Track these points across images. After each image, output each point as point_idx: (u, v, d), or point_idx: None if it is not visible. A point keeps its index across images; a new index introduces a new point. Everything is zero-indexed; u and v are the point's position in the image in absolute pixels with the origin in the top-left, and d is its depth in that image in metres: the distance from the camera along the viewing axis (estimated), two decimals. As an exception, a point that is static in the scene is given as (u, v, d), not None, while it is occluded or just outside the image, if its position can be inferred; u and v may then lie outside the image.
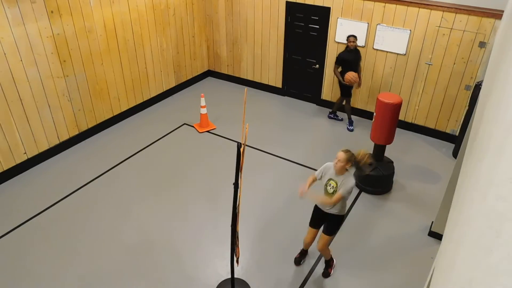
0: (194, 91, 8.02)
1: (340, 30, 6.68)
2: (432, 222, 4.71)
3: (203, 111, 6.67)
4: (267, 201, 5.19)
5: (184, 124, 6.94)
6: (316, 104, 7.62)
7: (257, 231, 4.74)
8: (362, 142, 6.38)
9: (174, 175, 5.65)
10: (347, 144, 6.43)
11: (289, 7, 7.04)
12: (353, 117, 6.98)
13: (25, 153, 5.57)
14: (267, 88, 8.06)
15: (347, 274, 4.23)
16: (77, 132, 6.21)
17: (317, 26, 6.95)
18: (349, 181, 3.60)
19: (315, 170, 5.75)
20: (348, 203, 5.16)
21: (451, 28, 5.80)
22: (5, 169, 5.37)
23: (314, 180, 3.82)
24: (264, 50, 7.70)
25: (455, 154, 6.19)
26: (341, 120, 7.07)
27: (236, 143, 4.22)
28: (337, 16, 6.64)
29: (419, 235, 4.72)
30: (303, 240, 4.23)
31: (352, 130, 6.79)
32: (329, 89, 7.32)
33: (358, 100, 7.07)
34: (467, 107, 5.98)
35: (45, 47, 5.38)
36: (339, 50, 6.84)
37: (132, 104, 7.05)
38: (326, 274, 4.19)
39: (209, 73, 8.70)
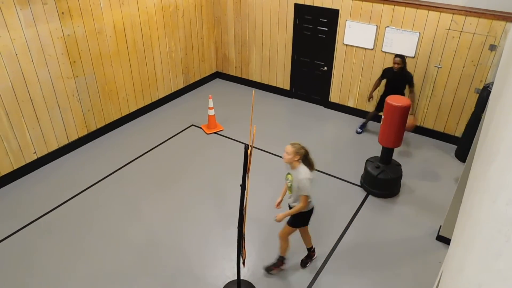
0: (202, 93, 8.06)
1: (349, 33, 6.67)
2: (440, 226, 4.66)
3: (211, 112, 6.69)
4: (274, 203, 5.18)
5: (192, 125, 6.97)
6: (324, 107, 7.60)
7: (263, 233, 4.74)
8: (370, 145, 6.35)
9: (181, 176, 5.67)
10: (354, 146, 6.41)
11: (298, 9, 7.04)
12: (361, 120, 6.95)
13: (35, 152, 5.63)
14: (275, 90, 8.06)
15: (354, 276, 4.21)
16: (86, 132, 6.27)
17: (326, 28, 6.93)
18: (298, 174, 3.65)
19: (322, 172, 5.77)
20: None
21: (461, 31, 5.75)
22: (15, 168, 5.45)
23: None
24: (272, 52, 7.71)
25: (457, 155, 6.14)
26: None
27: (243, 145, 4.22)
28: (345, 19, 6.62)
29: (427, 239, 4.67)
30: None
31: (360, 133, 6.76)
32: (337, 92, 7.30)
33: (365, 103, 7.04)
34: (473, 109, 5.93)
35: (55, 48, 5.45)
36: (348, 52, 6.82)
37: (141, 105, 7.10)
38: (302, 264, 4.31)
39: (217, 75, 8.74)
